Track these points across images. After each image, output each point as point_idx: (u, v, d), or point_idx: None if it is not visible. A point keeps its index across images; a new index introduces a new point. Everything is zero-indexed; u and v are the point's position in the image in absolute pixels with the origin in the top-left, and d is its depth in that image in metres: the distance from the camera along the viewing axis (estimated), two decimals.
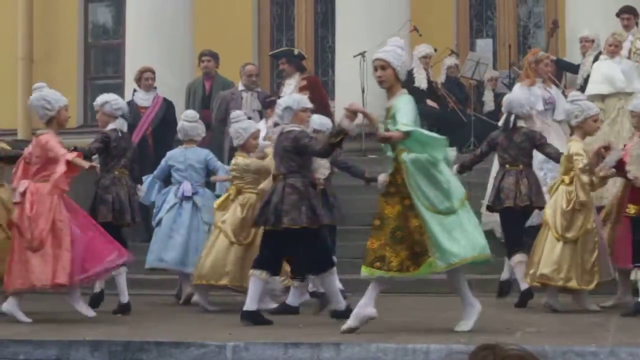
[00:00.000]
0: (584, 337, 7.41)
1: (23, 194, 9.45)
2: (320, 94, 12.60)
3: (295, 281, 9.90)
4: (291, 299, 9.84)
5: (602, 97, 12.02)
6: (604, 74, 12.20)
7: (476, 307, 8.01)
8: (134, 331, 8.23)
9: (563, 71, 13.79)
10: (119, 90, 15.21)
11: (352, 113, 8.25)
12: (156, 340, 7.53)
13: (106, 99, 10.55)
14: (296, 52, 13.63)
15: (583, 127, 9.73)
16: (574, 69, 13.42)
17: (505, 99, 10.50)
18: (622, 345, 6.89)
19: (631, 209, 9.40)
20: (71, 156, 9.27)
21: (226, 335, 7.74)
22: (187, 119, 11.34)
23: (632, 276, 9.60)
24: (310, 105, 9.34)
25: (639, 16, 12.96)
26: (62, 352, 7.51)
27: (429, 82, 14.24)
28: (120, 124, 10.53)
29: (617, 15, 12.81)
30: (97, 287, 10.47)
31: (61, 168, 9.28)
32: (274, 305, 9.95)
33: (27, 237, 9.33)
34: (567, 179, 9.65)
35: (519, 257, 10.21)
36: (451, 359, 6.45)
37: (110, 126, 10.60)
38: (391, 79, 8.18)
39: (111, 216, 10.23)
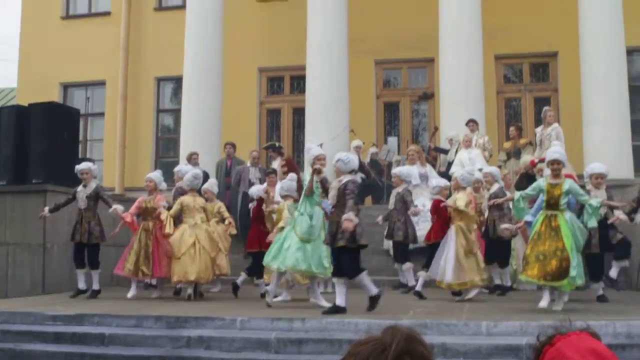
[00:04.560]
0: (448, 314, 7.45)
1: None
2: (295, 169, 12.66)
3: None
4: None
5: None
6: (459, 159, 12.34)
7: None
8: (181, 309, 8.18)
9: (439, 154, 13.93)
10: (175, 166, 15.16)
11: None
12: (194, 315, 7.49)
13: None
14: (277, 144, 13.78)
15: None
16: (447, 152, 13.54)
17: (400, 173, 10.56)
18: (471, 320, 6.93)
19: None
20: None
21: (237, 312, 7.69)
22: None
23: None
24: None
25: (478, 124, 13.12)
26: (138, 322, 7.48)
27: (360, 162, 14.33)
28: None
29: (465, 124, 12.97)
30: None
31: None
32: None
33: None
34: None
35: (407, 266, 10.25)
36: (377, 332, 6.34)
37: None
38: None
39: None
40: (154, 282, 10.47)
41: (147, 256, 9.70)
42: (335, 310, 7.67)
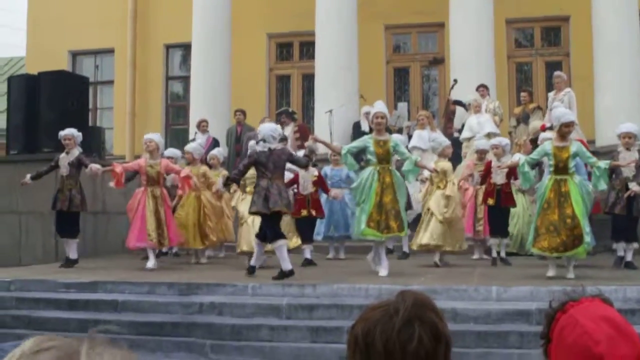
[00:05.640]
0: (459, 280, 7.48)
1: None
2: (306, 135, 12.65)
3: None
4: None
5: (468, 139, 12.05)
6: (469, 124, 12.24)
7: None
8: (193, 276, 8.24)
9: (459, 105, 13.68)
10: (185, 133, 15.21)
11: (314, 141, 8.74)
12: (206, 282, 7.55)
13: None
14: (290, 110, 13.69)
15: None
16: (466, 108, 13.27)
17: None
18: (481, 285, 6.96)
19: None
20: None
21: (248, 279, 7.75)
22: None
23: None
24: None
25: (489, 89, 12.96)
26: (151, 289, 7.54)
27: (370, 128, 14.22)
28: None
29: (476, 89, 12.83)
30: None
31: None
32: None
33: None
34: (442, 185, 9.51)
35: None
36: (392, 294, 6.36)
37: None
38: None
39: None
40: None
41: (160, 225, 9.41)
42: (284, 275, 7.72)
